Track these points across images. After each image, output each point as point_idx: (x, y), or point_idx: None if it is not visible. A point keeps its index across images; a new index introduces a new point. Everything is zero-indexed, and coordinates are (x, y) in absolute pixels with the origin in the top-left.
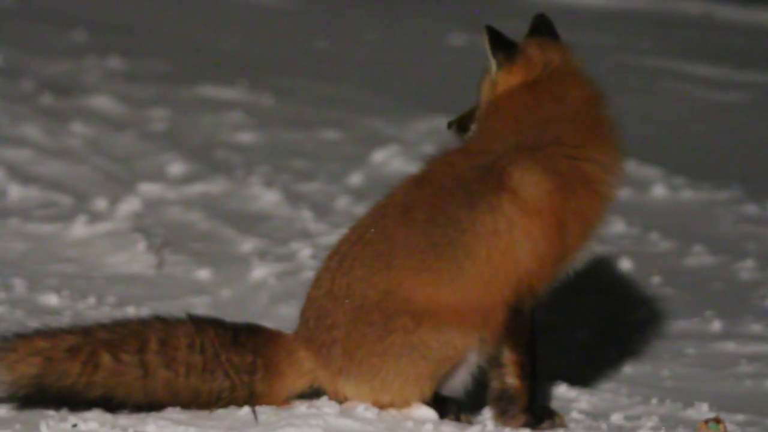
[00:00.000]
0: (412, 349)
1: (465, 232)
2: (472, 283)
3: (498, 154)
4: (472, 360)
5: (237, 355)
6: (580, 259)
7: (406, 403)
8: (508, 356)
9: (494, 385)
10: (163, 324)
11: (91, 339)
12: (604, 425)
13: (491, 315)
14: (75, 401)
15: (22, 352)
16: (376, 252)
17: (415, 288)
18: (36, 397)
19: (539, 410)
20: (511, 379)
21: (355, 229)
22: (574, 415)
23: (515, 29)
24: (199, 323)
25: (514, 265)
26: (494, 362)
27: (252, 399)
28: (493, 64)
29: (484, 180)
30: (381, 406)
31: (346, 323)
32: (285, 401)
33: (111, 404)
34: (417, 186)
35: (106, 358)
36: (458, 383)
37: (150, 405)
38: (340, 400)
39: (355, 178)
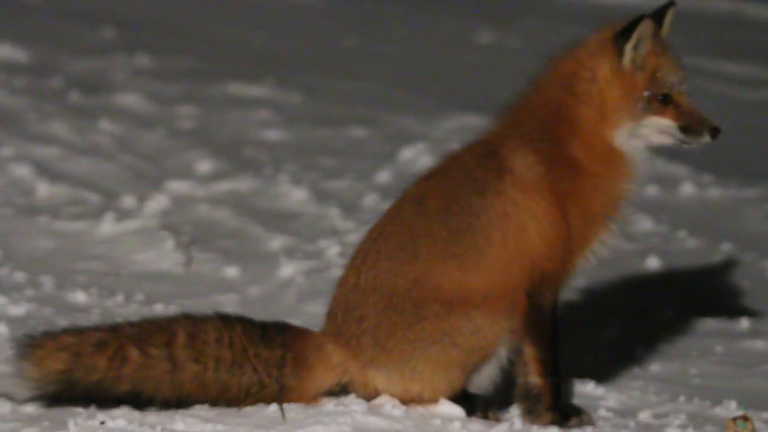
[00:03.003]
0: (443, 335)
1: (479, 216)
2: (493, 267)
3: (495, 143)
4: (502, 353)
5: (266, 350)
6: (595, 249)
7: (434, 393)
8: (529, 353)
9: (520, 382)
10: (191, 320)
11: (119, 334)
12: (632, 423)
13: (516, 301)
14: (103, 397)
15: (50, 348)
16: (400, 243)
17: (443, 274)
18: (65, 393)
19: (565, 408)
20: (534, 378)
21: (374, 228)
22: (602, 412)
23: (538, 28)
24: (226, 319)
25: (526, 247)
26: (520, 359)
27: (281, 394)
28: (628, 54)
29: (485, 164)
30: (410, 396)
31: (376, 313)
32: (314, 397)
33: (139, 400)
34: (426, 179)
35: (134, 352)
36: (487, 378)
37: (178, 400)
38: (370, 391)
39: (383, 176)
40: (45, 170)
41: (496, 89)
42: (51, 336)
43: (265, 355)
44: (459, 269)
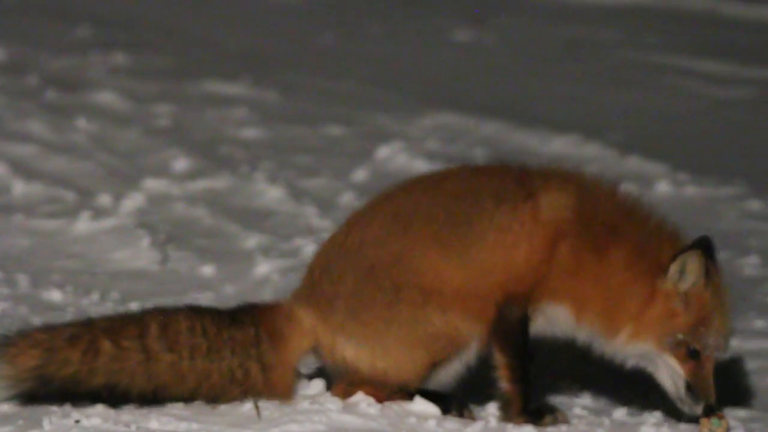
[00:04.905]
0: (417, 323)
1: (483, 219)
2: (473, 267)
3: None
4: (471, 350)
5: (238, 331)
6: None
7: (399, 373)
8: (499, 359)
9: (497, 385)
10: (162, 312)
11: (91, 328)
12: (606, 421)
13: (485, 308)
14: (79, 392)
15: (23, 345)
16: (397, 213)
17: (425, 257)
18: (40, 390)
19: (539, 408)
20: (504, 383)
21: (383, 192)
22: (577, 411)
23: (515, 26)
24: (196, 309)
25: (509, 264)
26: (494, 364)
27: (265, 372)
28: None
29: (520, 183)
30: (376, 372)
31: (354, 280)
32: (294, 370)
33: (115, 394)
34: (460, 168)
35: (106, 345)
36: (453, 373)
37: (155, 392)
38: (337, 359)
39: (360, 174)
40: (21, 168)
41: (474, 87)
42: (23, 334)
43: (239, 336)
44: (441, 257)
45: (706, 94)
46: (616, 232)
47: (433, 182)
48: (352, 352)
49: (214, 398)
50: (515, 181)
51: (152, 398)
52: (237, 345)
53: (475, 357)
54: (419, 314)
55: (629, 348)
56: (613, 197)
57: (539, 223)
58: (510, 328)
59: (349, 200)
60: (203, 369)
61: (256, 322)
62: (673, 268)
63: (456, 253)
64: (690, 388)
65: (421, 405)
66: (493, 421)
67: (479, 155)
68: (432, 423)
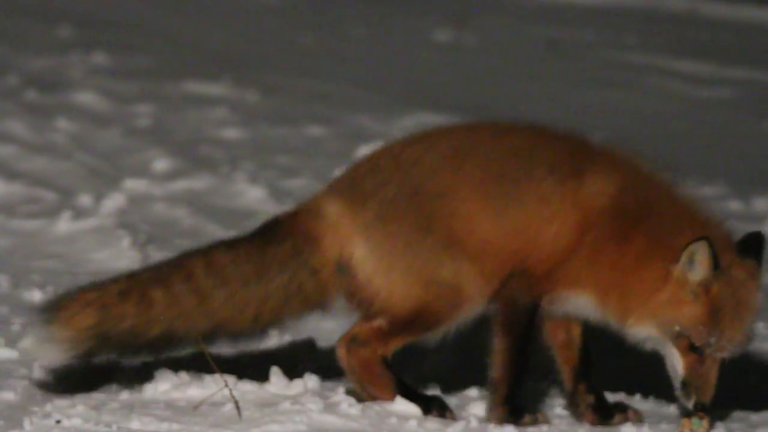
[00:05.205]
0: (431, 261)
1: (530, 184)
2: (504, 227)
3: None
4: (464, 315)
5: (276, 247)
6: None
7: (390, 297)
8: (497, 343)
9: (489, 373)
10: (199, 252)
11: (138, 280)
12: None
13: (498, 273)
14: (138, 345)
15: (75, 307)
16: (457, 149)
17: (464, 202)
18: (100, 348)
19: (519, 404)
20: (495, 370)
21: (463, 123)
22: (558, 410)
23: (496, 27)
24: (228, 242)
25: (537, 237)
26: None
27: (314, 276)
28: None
29: (574, 157)
30: (371, 285)
31: (396, 192)
32: (336, 266)
33: (174, 341)
34: (527, 124)
35: (158, 294)
36: (435, 330)
37: (216, 329)
38: (344, 257)
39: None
40: (1, 168)
41: (454, 88)
42: (71, 296)
43: (279, 252)
44: (479, 207)
45: (686, 94)
46: (640, 220)
47: (499, 132)
48: (361, 254)
49: (279, 320)
50: (570, 153)
51: (217, 335)
52: (280, 261)
53: (462, 325)
54: (436, 254)
55: (636, 331)
56: (653, 185)
57: (577, 206)
58: (518, 317)
59: None
60: (258, 294)
61: (288, 233)
62: (684, 257)
63: (493, 208)
64: (684, 383)
65: (402, 405)
66: (474, 422)
67: None
68: (413, 423)
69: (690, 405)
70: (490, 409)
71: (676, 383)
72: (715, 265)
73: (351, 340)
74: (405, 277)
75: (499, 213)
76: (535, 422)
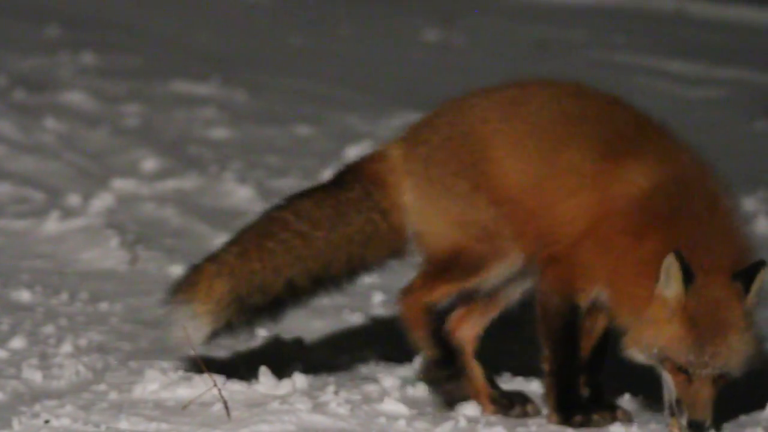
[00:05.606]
0: (469, 204)
1: (567, 151)
2: (527, 184)
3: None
4: (505, 266)
5: (349, 192)
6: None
7: (432, 242)
8: (543, 352)
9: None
10: (281, 206)
11: (246, 240)
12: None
13: (528, 230)
14: (269, 306)
15: (206, 281)
16: (514, 100)
17: (507, 151)
18: (238, 315)
19: (574, 406)
20: (545, 376)
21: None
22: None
23: (484, 26)
24: (303, 192)
25: (555, 205)
26: None
27: (386, 218)
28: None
29: (614, 140)
30: (414, 232)
31: (445, 136)
32: (403, 208)
33: (297, 290)
34: (591, 92)
35: (270, 244)
36: (478, 276)
37: (324, 272)
38: (396, 201)
39: (329, 174)
40: None
41: (443, 87)
42: (194, 272)
43: (352, 196)
44: (514, 161)
45: (675, 94)
46: (664, 224)
47: (562, 94)
48: (409, 197)
49: (366, 264)
50: (623, 133)
51: (324, 282)
52: (354, 203)
53: (503, 281)
54: (474, 197)
55: (628, 353)
56: (699, 192)
57: (599, 187)
58: (554, 321)
59: None
60: (344, 235)
61: (357, 176)
62: (662, 274)
63: (525, 164)
64: (678, 400)
65: (390, 405)
66: (463, 421)
67: None
68: (402, 423)
69: (684, 422)
70: (548, 415)
71: (669, 399)
72: (687, 279)
73: (404, 289)
74: (443, 220)
75: (527, 170)
76: (523, 414)
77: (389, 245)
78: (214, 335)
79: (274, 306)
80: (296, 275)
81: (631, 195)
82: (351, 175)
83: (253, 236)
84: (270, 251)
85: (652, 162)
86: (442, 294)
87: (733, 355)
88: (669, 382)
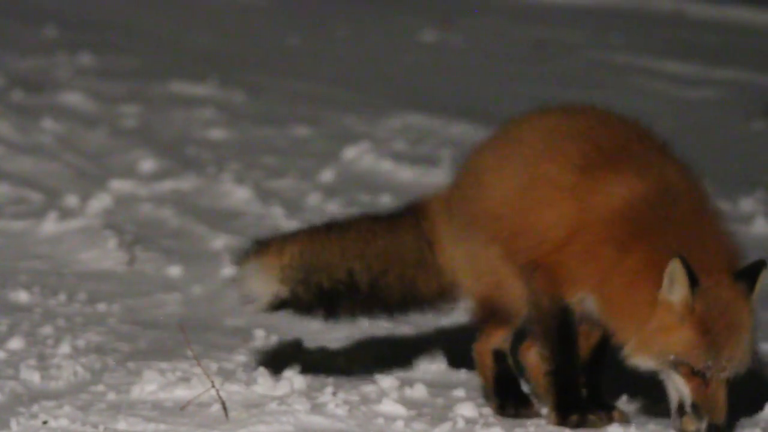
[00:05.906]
0: (472, 252)
1: (549, 165)
2: (512, 201)
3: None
4: (517, 298)
5: (401, 217)
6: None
7: (465, 291)
8: (541, 353)
9: None
10: (335, 221)
11: (313, 229)
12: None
13: (517, 252)
14: (327, 289)
15: (276, 243)
16: (505, 129)
17: (490, 176)
18: (307, 286)
19: (573, 407)
20: (542, 375)
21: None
22: (545, 411)
23: (482, 27)
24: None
25: (539, 219)
26: None
27: (433, 248)
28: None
29: (600, 154)
30: (467, 289)
31: (465, 186)
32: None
33: (354, 281)
34: (593, 111)
35: (335, 235)
36: (513, 317)
37: (380, 276)
38: (449, 262)
39: (327, 175)
40: None
41: (441, 88)
42: (264, 241)
43: (403, 221)
44: (500, 183)
45: (673, 94)
46: (651, 233)
47: (546, 113)
48: (449, 248)
49: (416, 293)
50: (605, 147)
51: (379, 286)
52: (406, 228)
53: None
54: (474, 246)
55: (634, 362)
56: (683, 200)
57: (579, 199)
58: (547, 322)
59: (316, 201)
60: (398, 253)
61: (411, 208)
62: (665, 280)
63: (509, 184)
64: (694, 405)
65: (389, 406)
66: (461, 422)
67: (446, 156)
68: (400, 423)
69: (704, 426)
70: (547, 414)
71: (685, 405)
72: (693, 282)
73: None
74: (466, 274)
75: (512, 187)
76: (516, 415)
77: (437, 279)
78: (281, 303)
79: (332, 298)
80: (357, 268)
81: (610, 206)
82: (406, 207)
83: (321, 228)
84: (337, 238)
85: (633, 174)
86: (499, 337)
87: (745, 355)
88: (681, 386)
